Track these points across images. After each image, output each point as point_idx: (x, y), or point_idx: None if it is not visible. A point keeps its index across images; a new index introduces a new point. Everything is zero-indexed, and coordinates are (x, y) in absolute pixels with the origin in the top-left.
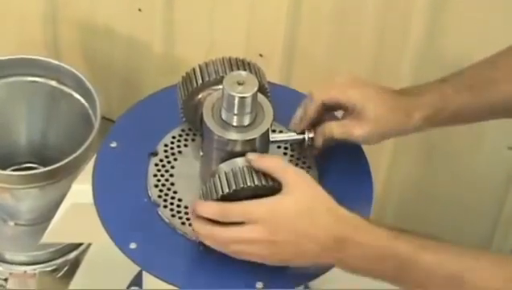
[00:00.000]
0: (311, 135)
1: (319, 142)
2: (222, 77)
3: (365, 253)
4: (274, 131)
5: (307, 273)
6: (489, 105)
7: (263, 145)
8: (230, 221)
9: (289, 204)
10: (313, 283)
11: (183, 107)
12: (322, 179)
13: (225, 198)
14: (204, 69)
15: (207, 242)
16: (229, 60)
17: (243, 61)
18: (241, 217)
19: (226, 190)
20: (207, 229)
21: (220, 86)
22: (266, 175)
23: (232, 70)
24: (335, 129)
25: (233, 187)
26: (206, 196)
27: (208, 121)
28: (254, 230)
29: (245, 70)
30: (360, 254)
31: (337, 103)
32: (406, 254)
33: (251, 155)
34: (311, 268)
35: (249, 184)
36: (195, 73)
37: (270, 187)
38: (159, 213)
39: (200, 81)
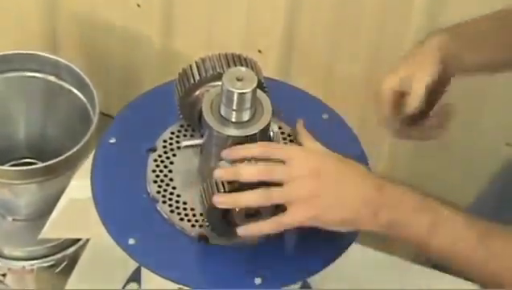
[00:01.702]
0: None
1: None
2: (219, 73)
3: (403, 201)
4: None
5: (306, 269)
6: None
7: (263, 141)
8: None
9: (331, 153)
10: (313, 283)
11: (181, 104)
12: None
13: None
14: (200, 65)
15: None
16: (226, 55)
17: (240, 57)
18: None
19: (228, 187)
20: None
21: (218, 82)
22: None
23: (229, 66)
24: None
25: (236, 184)
26: (207, 193)
27: (208, 117)
28: (300, 165)
29: (241, 65)
30: (398, 202)
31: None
32: (442, 209)
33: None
34: (310, 263)
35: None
36: (191, 70)
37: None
38: (158, 208)
39: (197, 78)
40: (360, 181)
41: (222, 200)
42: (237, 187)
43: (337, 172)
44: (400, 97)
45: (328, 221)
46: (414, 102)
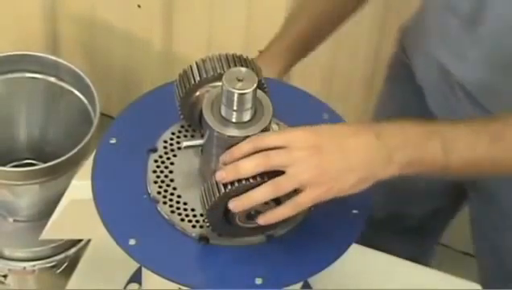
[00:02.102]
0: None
1: None
2: (220, 74)
3: (408, 137)
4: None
5: (307, 269)
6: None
7: None
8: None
9: (319, 126)
10: (314, 284)
11: (181, 104)
12: None
13: (227, 196)
14: (201, 66)
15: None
16: (226, 56)
17: (240, 57)
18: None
19: (229, 187)
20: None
21: (218, 83)
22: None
23: (229, 66)
24: None
25: (236, 183)
26: (208, 193)
27: (208, 117)
28: (298, 144)
29: (242, 66)
30: (404, 140)
31: None
32: (445, 127)
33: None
34: (311, 263)
35: (251, 181)
36: (192, 70)
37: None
38: (159, 209)
39: (197, 78)
40: (359, 138)
41: (238, 204)
42: (237, 185)
43: (335, 139)
44: None
45: (344, 188)
46: None
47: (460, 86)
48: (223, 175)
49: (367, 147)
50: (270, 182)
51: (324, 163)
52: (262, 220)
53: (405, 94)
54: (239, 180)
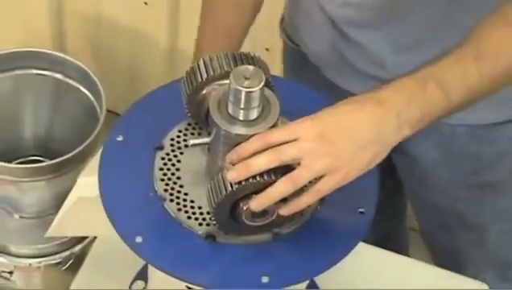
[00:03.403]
0: None
1: None
2: (227, 72)
3: (408, 94)
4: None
5: (314, 268)
6: None
7: None
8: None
9: (319, 112)
10: (321, 282)
11: (188, 102)
12: None
13: (234, 194)
14: (208, 64)
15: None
16: (233, 54)
17: (247, 55)
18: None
19: (236, 185)
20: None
21: (225, 81)
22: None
23: (236, 64)
24: None
25: (243, 182)
26: (214, 191)
27: (215, 115)
28: (305, 135)
29: (249, 64)
30: (406, 98)
31: None
32: (433, 69)
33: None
34: (317, 262)
35: (258, 178)
36: (199, 68)
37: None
38: (165, 206)
39: (204, 76)
40: (363, 112)
41: (258, 203)
42: (244, 183)
43: (339, 121)
44: None
45: (361, 168)
46: None
47: (353, 42)
48: (234, 174)
49: (373, 119)
50: (286, 177)
51: (334, 149)
52: (285, 210)
53: (302, 77)
54: (246, 179)
